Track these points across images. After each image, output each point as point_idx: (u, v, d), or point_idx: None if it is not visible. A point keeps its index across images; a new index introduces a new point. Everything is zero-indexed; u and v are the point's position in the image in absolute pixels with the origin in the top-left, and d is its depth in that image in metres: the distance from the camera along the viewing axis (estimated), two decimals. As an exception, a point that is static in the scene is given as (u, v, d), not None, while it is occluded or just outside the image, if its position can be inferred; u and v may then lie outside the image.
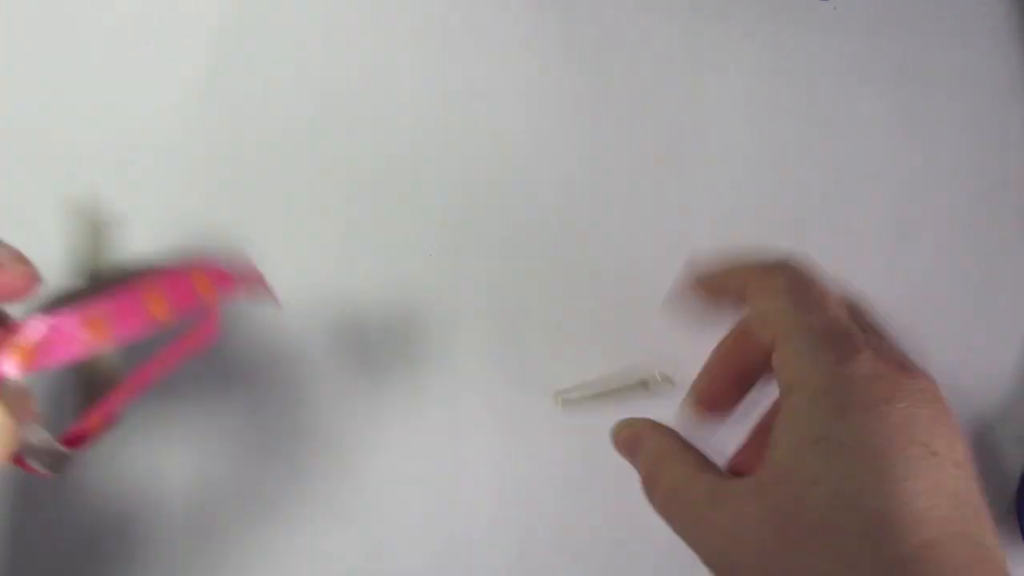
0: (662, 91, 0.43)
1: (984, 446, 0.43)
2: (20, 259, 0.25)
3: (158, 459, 0.40)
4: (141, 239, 0.39)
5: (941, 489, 0.22)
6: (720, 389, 0.31)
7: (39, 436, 0.25)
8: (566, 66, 0.43)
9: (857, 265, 0.43)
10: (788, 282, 0.27)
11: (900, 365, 0.25)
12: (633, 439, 0.31)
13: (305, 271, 0.42)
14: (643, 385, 0.42)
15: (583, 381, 0.43)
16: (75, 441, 0.26)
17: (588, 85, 0.43)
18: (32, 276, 0.25)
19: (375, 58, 0.43)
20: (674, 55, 0.43)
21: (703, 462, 0.28)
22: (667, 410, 0.39)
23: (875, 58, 0.44)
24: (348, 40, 0.43)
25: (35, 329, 0.23)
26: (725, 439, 0.32)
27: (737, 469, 0.31)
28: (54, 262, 0.29)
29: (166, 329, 0.26)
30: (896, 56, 0.44)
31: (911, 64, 0.44)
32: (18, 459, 0.25)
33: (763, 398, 0.31)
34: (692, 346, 0.43)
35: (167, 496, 0.41)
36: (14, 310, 0.25)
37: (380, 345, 0.43)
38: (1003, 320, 0.44)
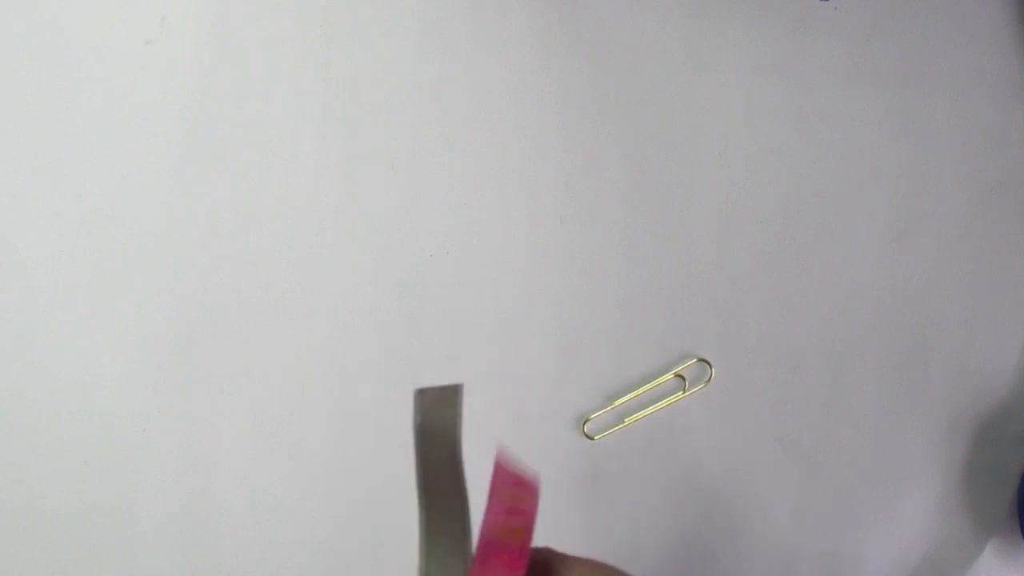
0: (662, 91, 0.43)
1: (984, 446, 0.43)
2: None
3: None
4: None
5: None
6: None
7: None
8: (566, 66, 0.43)
9: (857, 265, 0.43)
10: None
11: None
12: None
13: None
14: (679, 379, 0.42)
15: (608, 400, 0.43)
16: None
17: (588, 85, 0.43)
18: None
19: (374, 58, 0.43)
20: (674, 55, 0.43)
21: None
22: (703, 404, 0.39)
23: (875, 58, 0.44)
24: (348, 39, 0.43)
25: None
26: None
27: None
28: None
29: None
30: (896, 56, 0.44)
31: (911, 64, 0.44)
32: None
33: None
34: (704, 338, 0.43)
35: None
36: None
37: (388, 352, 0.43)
38: (1003, 320, 0.44)
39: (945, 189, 0.44)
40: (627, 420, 0.42)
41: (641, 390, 0.42)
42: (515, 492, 0.23)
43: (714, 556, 0.43)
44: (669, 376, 0.43)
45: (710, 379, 0.43)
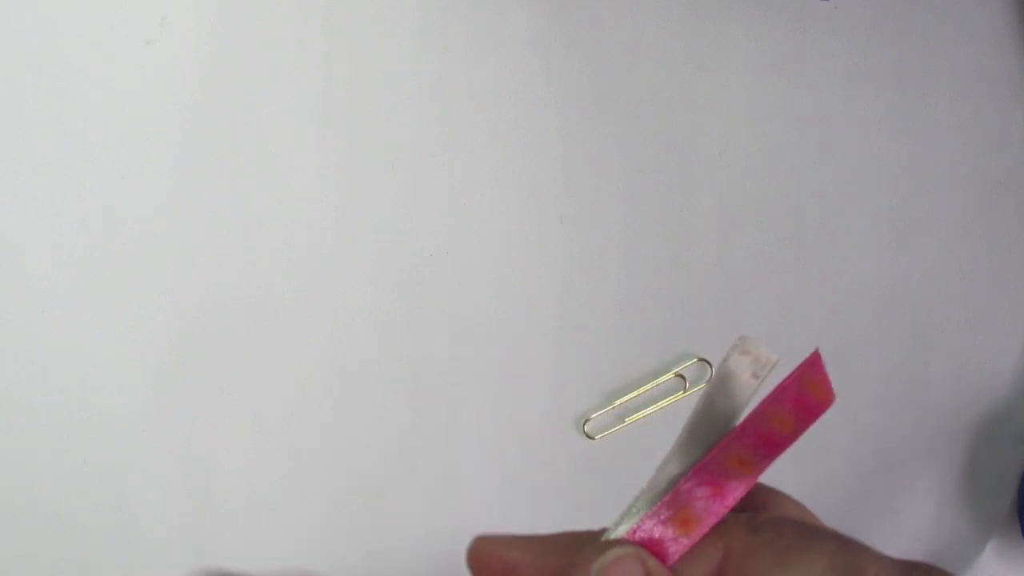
0: (662, 91, 0.43)
1: (984, 446, 0.43)
2: None
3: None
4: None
5: None
6: None
7: None
8: (566, 66, 0.43)
9: (857, 265, 0.43)
10: None
11: None
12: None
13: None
14: (679, 379, 0.42)
15: (608, 400, 0.43)
16: None
17: (588, 85, 0.43)
18: None
19: (375, 58, 0.43)
20: (674, 55, 0.43)
21: None
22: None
23: (875, 58, 0.44)
24: (348, 39, 0.43)
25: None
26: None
27: None
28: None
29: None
30: (896, 56, 0.44)
31: (911, 64, 0.44)
32: None
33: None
34: (704, 338, 0.43)
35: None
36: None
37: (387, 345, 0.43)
38: (1003, 320, 0.44)
39: (945, 189, 0.44)
40: (627, 420, 0.42)
41: (641, 390, 0.42)
42: (812, 398, 0.24)
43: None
44: (669, 376, 0.43)
45: (710, 379, 0.43)
